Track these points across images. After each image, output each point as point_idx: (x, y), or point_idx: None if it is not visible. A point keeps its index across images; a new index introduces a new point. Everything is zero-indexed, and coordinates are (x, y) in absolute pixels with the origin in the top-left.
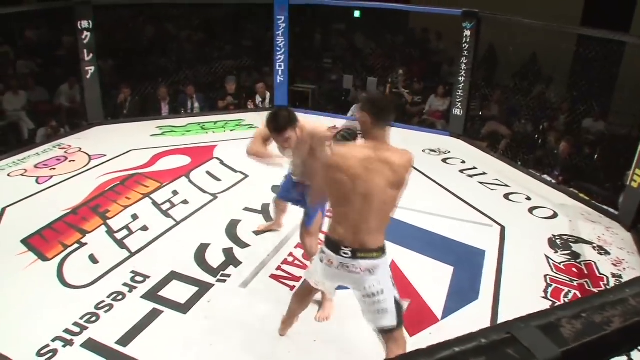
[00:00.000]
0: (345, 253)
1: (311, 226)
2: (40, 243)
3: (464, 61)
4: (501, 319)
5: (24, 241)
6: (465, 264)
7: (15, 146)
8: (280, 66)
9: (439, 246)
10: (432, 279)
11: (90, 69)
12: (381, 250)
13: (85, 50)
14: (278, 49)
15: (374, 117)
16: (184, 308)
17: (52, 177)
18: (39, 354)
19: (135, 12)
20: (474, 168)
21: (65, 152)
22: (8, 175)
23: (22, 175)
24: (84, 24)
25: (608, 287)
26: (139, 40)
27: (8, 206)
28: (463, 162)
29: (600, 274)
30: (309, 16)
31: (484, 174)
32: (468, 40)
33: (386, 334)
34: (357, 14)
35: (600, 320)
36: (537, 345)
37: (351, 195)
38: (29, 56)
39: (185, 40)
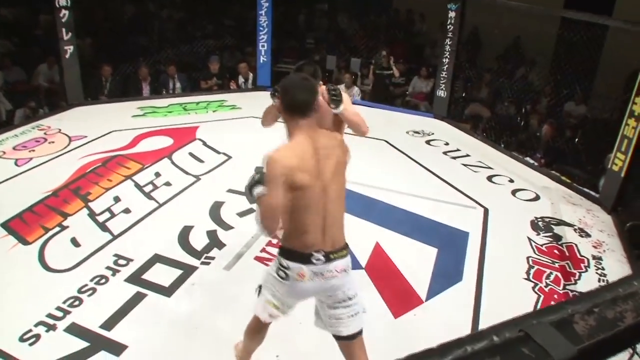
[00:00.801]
0: (318, 259)
1: None
2: (20, 226)
3: (448, 43)
4: (485, 300)
5: (4, 225)
6: (449, 245)
7: None
8: (263, 46)
9: (423, 228)
10: (416, 261)
11: (69, 48)
12: (348, 247)
13: (63, 29)
14: (261, 28)
15: (291, 107)
16: (168, 291)
17: (31, 159)
18: (21, 339)
19: None
20: (458, 150)
21: (45, 133)
22: None
23: (0, 157)
24: (62, 1)
25: (588, 269)
26: (118, 19)
27: None
28: (447, 143)
29: (582, 255)
30: None
31: (468, 155)
32: (453, 21)
33: (354, 338)
34: None
35: (613, 315)
36: (552, 344)
37: (313, 196)
38: (6, 35)
39: (166, 19)
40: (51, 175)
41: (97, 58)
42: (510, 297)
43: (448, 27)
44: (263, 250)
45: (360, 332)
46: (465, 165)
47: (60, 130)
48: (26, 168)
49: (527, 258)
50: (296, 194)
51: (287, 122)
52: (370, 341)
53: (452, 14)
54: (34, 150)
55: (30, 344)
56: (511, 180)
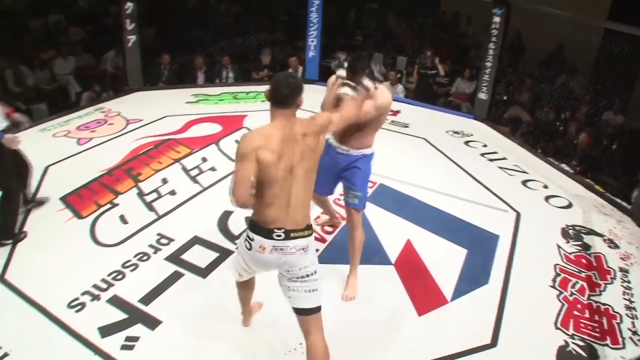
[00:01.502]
0: (278, 235)
1: (362, 208)
2: (76, 201)
3: (492, 46)
4: (508, 304)
5: (63, 199)
6: (478, 247)
7: (63, 108)
8: (312, 41)
9: (454, 228)
10: (444, 260)
11: (132, 38)
12: (310, 228)
13: (127, 20)
14: (311, 24)
15: (270, 94)
16: (203, 272)
17: (92, 139)
18: (69, 306)
19: None
20: (495, 152)
21: (106, 115)
22: (53, 135)
23: (65, 136)
24: None
25: (614, 281)
26: (180, 11)
27: (51, 165)
28: (485, 145)
29: (609, 267)
30: None
31: (504, 159)
32: (497, 26)
33: (310, 313)
34: None
35: None
36: None
37: (277, 175)
38: (80, 24)
39: (224, 12)
40: (108, 155)
41: (158, 47)
42: (534, 303)
43: (492, 31)
44: None
45: (317, 309)
46: (501, 168)
47: (119, 113)
48: (86, 147)
49: (555, 265)
50: (261, 169)
51: (270, 110)
52: (392, 337)
53: (496, 19)
54: (94, 131)
55: (76, 311)
56: (545, 186)
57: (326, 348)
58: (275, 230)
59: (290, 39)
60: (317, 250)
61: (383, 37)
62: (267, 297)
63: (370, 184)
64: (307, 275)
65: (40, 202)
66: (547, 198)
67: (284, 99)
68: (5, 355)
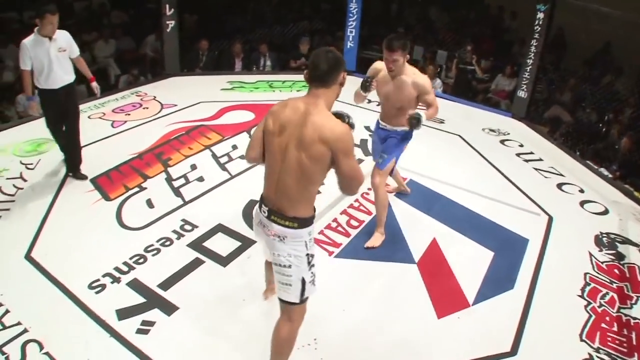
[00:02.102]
0: (264, 211)
1: (383, 169)
2: (106, 183)
3: (534, 43)
4: (532, 313)
5: (93, 180)
6: (506, 250)
7: (102, 90)
8: (351, 32)
9: (483, 229)
10: (470, 262)
11: (171, 23)
12: (296, 222)
13: (167, 5)
14: (351, 15)
15: (308, 73)
16: (224, 261)
17: (126, 122)
18: (90, 287)
19: None
20: (531, 153)
21: (141, 99)
22: (88, 117)
23: (100, 118)
24: None
25: None
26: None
27: (84, 146)
28: (521, 145)
29: None
30: None
31: (540, 160)
32: (540, 22)
33: (285, 305)
34: None
35: None
36: None
37: (273, 150)
38: (123, 7)
39: (266, 0)
40: (140, 138)
41: (198, 33)
42: (560, 313)
43: (535, 28)
44: (321, 232)
45: (286, 302)
46: (536, 169)
47: (155, 97)
48: (120, 130)
49: (585, 274)
50: (266, 137)
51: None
52: (408, 338)
53: (540, 15)
54: (129, 114)
55: (97, 292)
56: (581, 191)
57: (281, 334)
58: (263, 205)
59: (330, 29)
60: (340, 244)
61: (424, 30)
62: None
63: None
64: (280, 265)
65: (82, 177)
66: (582, 203)
67: (322, 75)
68: (25, 331)
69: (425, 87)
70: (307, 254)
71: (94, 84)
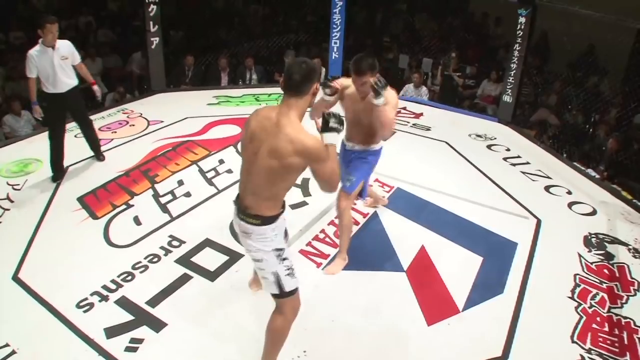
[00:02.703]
0: (235, 209)
1: (351, 192)
2: (93, 202)
3: (517, 48)
4: (523, 316)
5: (80, 199)
6: (495, 255)
7: (89, 108)
8: (335, 43)
9: (471, 234)
10: (459, 268)
11: (155, 40)
12: (259, 219)
13: (151, 22)
14: (335, 26)
15: (283, 82)
16: (212, 275)
17: (112, 139)
18: (78, 306)
19: None
20: (518, 157)
21: (128, 116)
22: (75, 136)
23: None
24: None
25: (638, 292)
26: (206, 13)
27: (70, 165)
28: (508, 149)
29: (632, 278)
30: None
31: (527, 163)
32: (522, 27)
33: (273, 298)
34: None
35: None
36: None
37: (246, 154)
38: (110, 25)
39: (252, 14)
40: (127, 156)
41: (183, 49)
42: (550, 315)
43: (517, 32)
44: (309, 244)
45: (275, 296)
46: (523, 172)
47: (141, 114)
48: (106, 148)
49: (575, 275)
50: (240, 141)
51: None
52: (398, 346)
53: (522, 19)
54: (115, 132)
55: (85, 311)
56: (569, 192)
57: (272, 325)
58: (235, 204)
59: (315, 40)
60: (328, 255)
61: (409, 39)
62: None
63: (387, 188)
64: (254, 260)
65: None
66: (570, 204)
67: (296, 85)
68: (13, 352)
69: (390, 100)
70: (275, 249)
71: (95, 87)
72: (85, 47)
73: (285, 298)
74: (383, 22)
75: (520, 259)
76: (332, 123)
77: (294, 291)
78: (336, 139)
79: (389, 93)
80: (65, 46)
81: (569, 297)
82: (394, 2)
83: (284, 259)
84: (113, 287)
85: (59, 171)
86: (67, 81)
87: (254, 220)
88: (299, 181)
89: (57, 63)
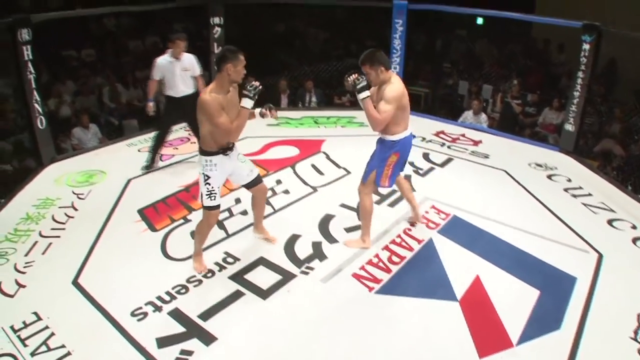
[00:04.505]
0: None
1: (365, 182)
2: (152, 214)
3: (580, 75)
4: (580, 356)
5: (140, 211)
6: (552, 289)
7: (153, 125)
8: (395, 68)
9: (528, 266)
10: (514, 300)
11: None
12: (200, 151)
13: (215, 44)
14: (394, 51)
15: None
16: (264, 294)
17: (174, 155)
18: (132, 314)
19: (265, 9)
20: (580, 188)
21: (189, 133)
22: (138, 150)
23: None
24: (216, 20)
25: None
26: (267, 35)
27: (133, 178)
28: (569, 180)
29: None
30: (432, 20)
31: (590, 195)
32: (586, 53)
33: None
34: (479, 20)
35: None
36: None
37: None
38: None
39: (313, 37)
40: (187, 172)
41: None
42: (610, 356)
43: (581, 59)
44: (362, 268)
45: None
46: (585, 205)
47: None
48: (168, 163)
49: (638, 315)
50: None
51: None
52: None
53: (586, 46)
54: (177, 148)
55: (138, 320)
56: (634, 227)
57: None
58: None
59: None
60: (380, 280)
61: (470, 65)
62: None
63: (443, 215)
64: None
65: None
66: (635, 240)
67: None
68: (68, 354)
69: (385, 94)
70: (202, 173)
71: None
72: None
73: (204, 209)
74: (443, 48)
75: (579, 294)
76: (246, 91)
77: (211, 208)
78: (247, 103)
79: (390, 86)
80: (188, 59)
81: (632, 338)
82: (454, 28)
83: (208, 184)
84: (167, 298)
85: (153, 161)
86: (184, 89)
87: (198, 150)
88: (354, 205)
89: (179, 73)
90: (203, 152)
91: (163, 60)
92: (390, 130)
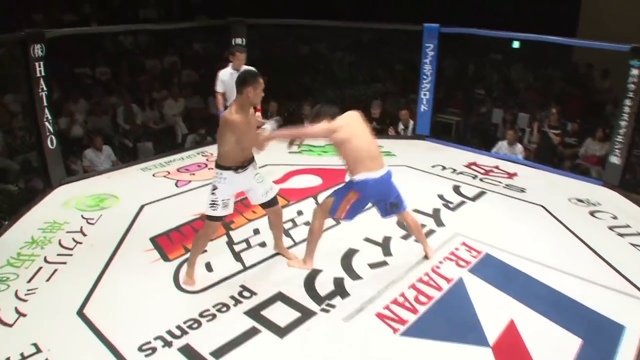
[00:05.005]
0: None
1: (322, 205)
2: (165, 243)
3: (628, 103)
4: None
5: (152, 239)
6: (597, 338)
7: (169, 148)
8: (425, 95)
9: (569, 312)
10: (553, 350)
11: None
12: (215, 164)
13: None
14: (425, 77)
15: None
16: (282, 332)
17: (190, 182)
18: (140, 349)
19: (289, 31)
20: (627, 226)
21: (207, 159)
22: (153, 175)
23: (165, 177)
24: (238, 40)
25: None
26: (291, 59)
27: (146, 204)
28: (614, 217)
29: None
30: (465, 44)
31: (638, 234)
32: (635, 79)
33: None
34: (515, 44)
35: None
36: None
37: None
38: (194, 66)
39: (338, 61)
40: (203, 199)
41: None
42: None
43: (629, 85)
44: (387, 307)
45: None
46: (633, 245)
47: None
48: (184, 189)
49: None
50: None
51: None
52: None
53: (634, 72)
54: (194, 174)
55: (146, 355)
56: None
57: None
58: None
59: (404, 91)
60: (406, 321)
61: (504, 91)
62: None
63: (474, 253)
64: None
65: None
66: None
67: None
68: None
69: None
70: (212, 183)
71: (258, 114)
72: (168, 87)
73: (206, 219)
74: (476, 73)
75: (628, 345)
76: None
77: (212, 218)
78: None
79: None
80: None
81: None
82: (487, 52)
83: (213, 194)
84: (178, 333)
85: None
86: None
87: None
88: (380, 239)
89: None
90: (217, 165)
91: (224, 73)
92: (351, 169)
